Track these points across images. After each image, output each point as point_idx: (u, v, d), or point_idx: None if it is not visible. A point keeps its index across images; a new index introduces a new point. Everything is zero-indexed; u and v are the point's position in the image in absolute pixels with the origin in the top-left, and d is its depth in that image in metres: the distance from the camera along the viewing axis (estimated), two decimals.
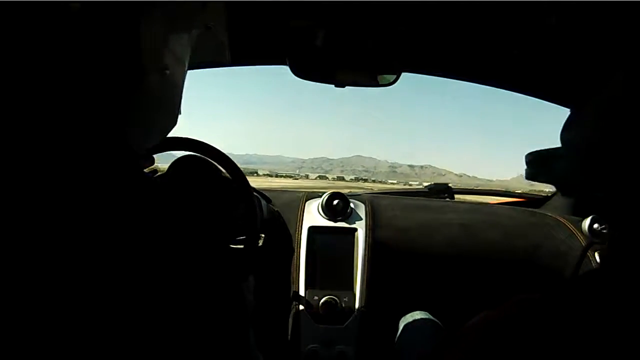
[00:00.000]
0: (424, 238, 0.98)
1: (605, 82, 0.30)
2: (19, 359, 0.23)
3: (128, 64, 0.31)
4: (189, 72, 0.40)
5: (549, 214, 1.07)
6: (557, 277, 0.95)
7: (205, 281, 0.30)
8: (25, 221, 0.24)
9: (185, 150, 0.83)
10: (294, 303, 0.90)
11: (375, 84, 0.88)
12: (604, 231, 0.98)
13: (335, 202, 0.95)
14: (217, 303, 0.30)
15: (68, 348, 0.24)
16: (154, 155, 0.71)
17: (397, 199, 1.10)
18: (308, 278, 0.89)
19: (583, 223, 1.01)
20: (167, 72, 0.35)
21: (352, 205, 0.98)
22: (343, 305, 0.87)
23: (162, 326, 0.27)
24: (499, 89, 1.01)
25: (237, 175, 0.79)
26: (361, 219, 0.96)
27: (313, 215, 0.96)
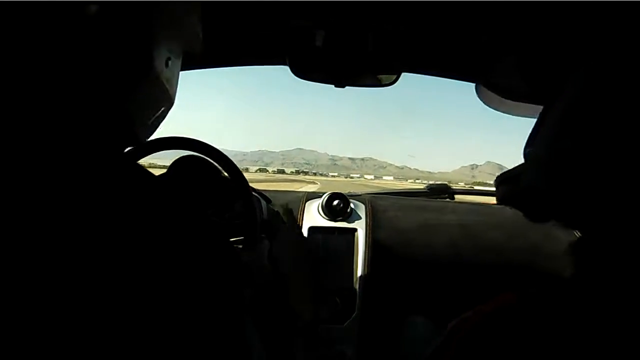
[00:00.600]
0: (423, 238, 0.98)
1: (565, 83, 0.30)
2: (18, 359, 0.23)
3: (138, 56, 0.33)
4: None
5: None
6: (557, 277, 0.95)
7: (202, 279, 0.30)
8: (24, 216, 0.24)
9: (185, 150, 0.83)
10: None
11: (375, 84, 0.89)
12: None
13: (335, 202, 0.96)
14: (213, 301, 0.31)
15: (67, 346, 0.24)
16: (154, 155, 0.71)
17: (397, 200, 1.10)
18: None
19: None
20: (170, 61, 0.37)
21: (352, 205, 0.98)
22: (343, 305, 0.87)
23: (157, 322, 0.27)
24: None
25: (236, 175, 0.79)
26: (361, 219, 0.96)
27: (313, 216, 0.96)
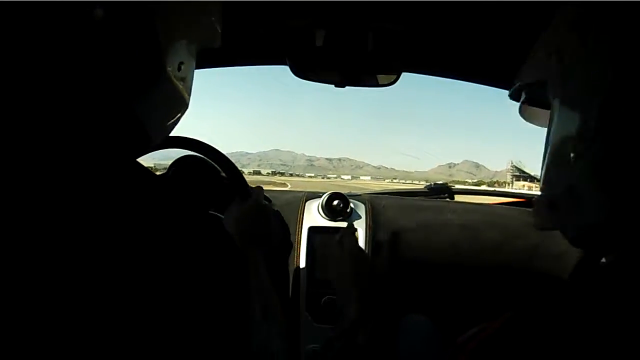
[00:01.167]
0: (423, 238, 0.98)
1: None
2: (19, 358, 0.23)
3: (151, 61, 0.34)
4: None
5: None
6: (557, 277, 0.95)
7: (207, 270, 0.31)
8: (27, 213, 0.24)
9: (185, 149, 0.83)
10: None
11: (375, 84, 0.88)
12: None
13: (335, 202, 0.96)
14: (219, 291, 0.31)
15: (68, 343, 0.24)
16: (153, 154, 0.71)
17: (397, 199, 1.10)
18: (308, 278, 0.89)
19: None
20: (183, 65, 0.38)
21: (352, 205, 0.98)
22: None
23: (164, 314, 0.27)
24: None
25: (235, 175, 0.79)
26: (361, 219, 0.96)
27: (313, 216, 0.96)
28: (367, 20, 0.78)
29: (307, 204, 0.99)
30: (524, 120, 0.43)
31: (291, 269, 0.91)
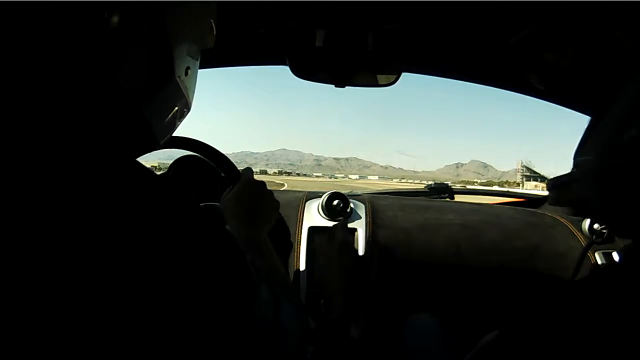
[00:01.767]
0: (424, 238, 0.98)
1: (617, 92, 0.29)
2: (19, 358, 0.24)
3: (162, 66, 0.35)
4: None
5: (549, 214, 1.07)
6: (557, 278, 0.95)
7: (210, 266, 0.31)
8: (26, 212, 0.25)
9: (185, 149, 0.84)
10: None
11: (375, 84, 0.89)
12: (604, 231, 0.98)
13: (335, 202, 0.96)
14: (224, 286, 0.31)
15: (68, 342, 0.24)
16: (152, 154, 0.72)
17: (397, 199, 1.10)
18: (308, 278, 0.89)
19: (583, 223, 1.01)
20: (189, 70, 0.39)
21: (352, 205, 0.98)
22: None
23: (167, 312, 0.27)
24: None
25: (235, 175, 0.79)
26: (361, 219, 0.96)
27: (313, 215, 0.96)
28: (367, 20, 0.78)
29: (307, 204, 0.99)
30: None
31: (291, 268, 0.91)
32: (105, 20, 0.30)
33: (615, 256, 0.94)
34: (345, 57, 0.83)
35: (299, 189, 1.12)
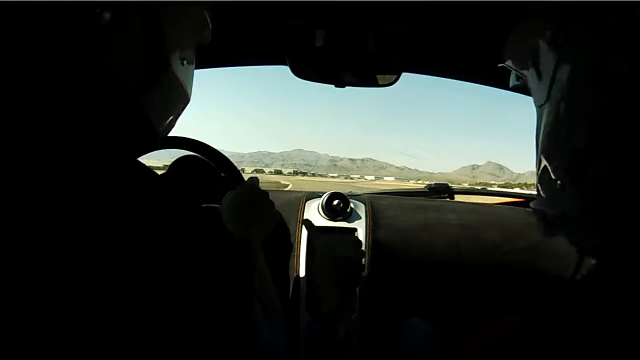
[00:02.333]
0: (423, 238, 0.98)
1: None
2: (19, 358, 0.24)
3: (156, 58, 0.35)
4: None
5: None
6: (557, 278, 0.95)
7: (211, 266, 0.31)
8: (27, 210, 0.25)
9: (185, 149, 0.84)
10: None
11: (375, 84, 0.88)
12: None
13: (335, 202, 0.96)
14: (216, 292, 0.31)
15: (68, 341, 0.24)
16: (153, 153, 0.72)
17: (397, 199, 1.10)
18: (308, 278, 0.89)
19: None
20: (185, 61, 0.39)
21: (352, 205, 0.98)
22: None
23: (163, 318, 0.27)
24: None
25: (235, 175, 0.79)
26: (361, 219, 0.96)
27: (313, 215, 0.96)
28: (367, 20, 0.78)
29: (307, 204, 0.99)
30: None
31: (291, 269, 0.91)
32: (98, 13, 0.30)
33: None
34: (345, 57, 0.83)
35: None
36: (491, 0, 0.67)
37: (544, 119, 0.31)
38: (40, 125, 0.28)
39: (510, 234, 0.99)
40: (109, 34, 0.31)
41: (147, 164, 0.34)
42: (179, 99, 0.41)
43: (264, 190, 0.61)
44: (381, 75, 0.87)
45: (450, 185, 1.31)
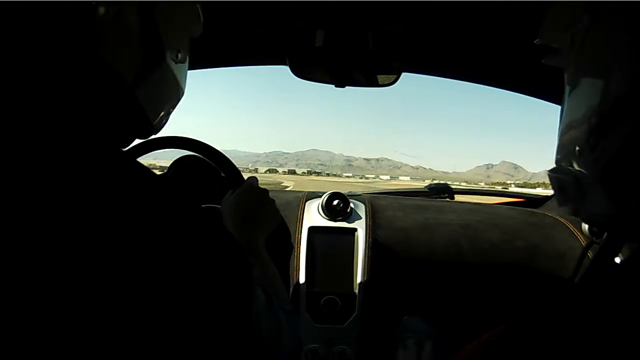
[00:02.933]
0: (423, 238, 0.98)
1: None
2: (19, 358, 0.23)
3: (151, 51, 0.36)
4: None
5: (549, 214, 1.07)
6: (557, 278, 0.95)
7: (211, 264, 0.31)
8: (25, 209, 0.24)
9: (185, 149, 0.84)
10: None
11: (375, 84, 0.88)
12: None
13: (335, 202, 0.95)
14: (217, 289, 0.31)
15: (69, 341, 0.24)
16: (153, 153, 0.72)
17: (397, 199, 1.10)
18: (308, 278, 0.89)
19: (583, 223, 1.01)
20: (180, 54, 0.40)
21: (352, 205, 0.98)
22: (343, 305, 0.87)
23: (164, 316, 0.27)
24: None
25: (235, 175, 0.79)
26: (361, 219, 0.96)
27: (313, 215, 0.96)
28: (367, 20, 0.78)
29: (307, 203, 0.99)
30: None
31: (291, 269, 0.91)
32: (94, 7, 0.30)
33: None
34: (345, 57, 0.83)
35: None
36: (491, 0, 0.67)
37: (573, 85, 0.31)
38: (36, 122, 0.28)
39: (510, 234, 0.99)
40: (105, 28, 0.32)
41: (147, 164, 0.34)
42: (173, 93, 0.42)
43: (263, 189, 0.61)
44: (381, 75, 0.87)
45: (449, 185, 1.31)
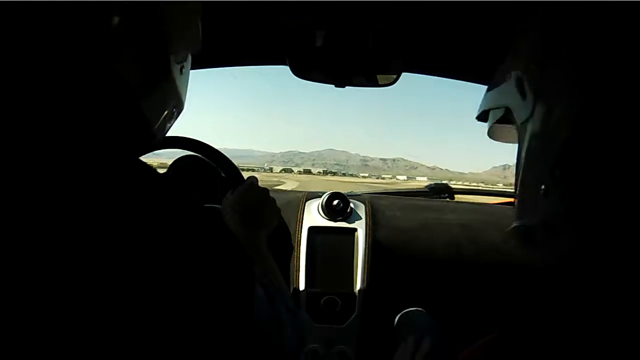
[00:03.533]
0: (424, 238, 0.98)
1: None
2: (19, 358, 0.24)
3: (159, 64, 0.37)
4: None
5: None
6: (557, 278, 0.95)
7: (213, 263, 0.31)
8: (27, 210, 0.25)
9: (185, 149, 0.84)
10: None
11: (375, 84, 0.89)
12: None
13: (335, 202, 0.95)
14: (219, 289, 0.31)
15: (69, 341, 0.24)
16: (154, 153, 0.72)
17: (397, 199, 1.10)
18: (308, 278, 0.89)
19: None
20: (183, 69, 0.41)
21: (352, 205, 0.98)
22: (343, 305, 0.87)
23: (165, 315, 0.27)
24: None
25: (235, 175, 0.79)
26: (361, 219, 0.96)
27: (313, 215, 0.96)
28: (367, 20, 0.78)
29: (307, 204, 0.99)
30: (495, 141, 0.42)
31: (291, 269, 0.91)
32: (106, 18, 0.31)
33: None
34: (345, 57, 0.83)
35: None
36: (491, 0, 0.67)
37: (527, 132, 0.30)
38: (43, 126, 0.28)
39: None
40: (118, 39, 0.32)
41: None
42: (176, 104, 0.42)
43: (264, 188, 0.61)
44: (381, 75, 0.87)
45: (449, 185, 1.31)
